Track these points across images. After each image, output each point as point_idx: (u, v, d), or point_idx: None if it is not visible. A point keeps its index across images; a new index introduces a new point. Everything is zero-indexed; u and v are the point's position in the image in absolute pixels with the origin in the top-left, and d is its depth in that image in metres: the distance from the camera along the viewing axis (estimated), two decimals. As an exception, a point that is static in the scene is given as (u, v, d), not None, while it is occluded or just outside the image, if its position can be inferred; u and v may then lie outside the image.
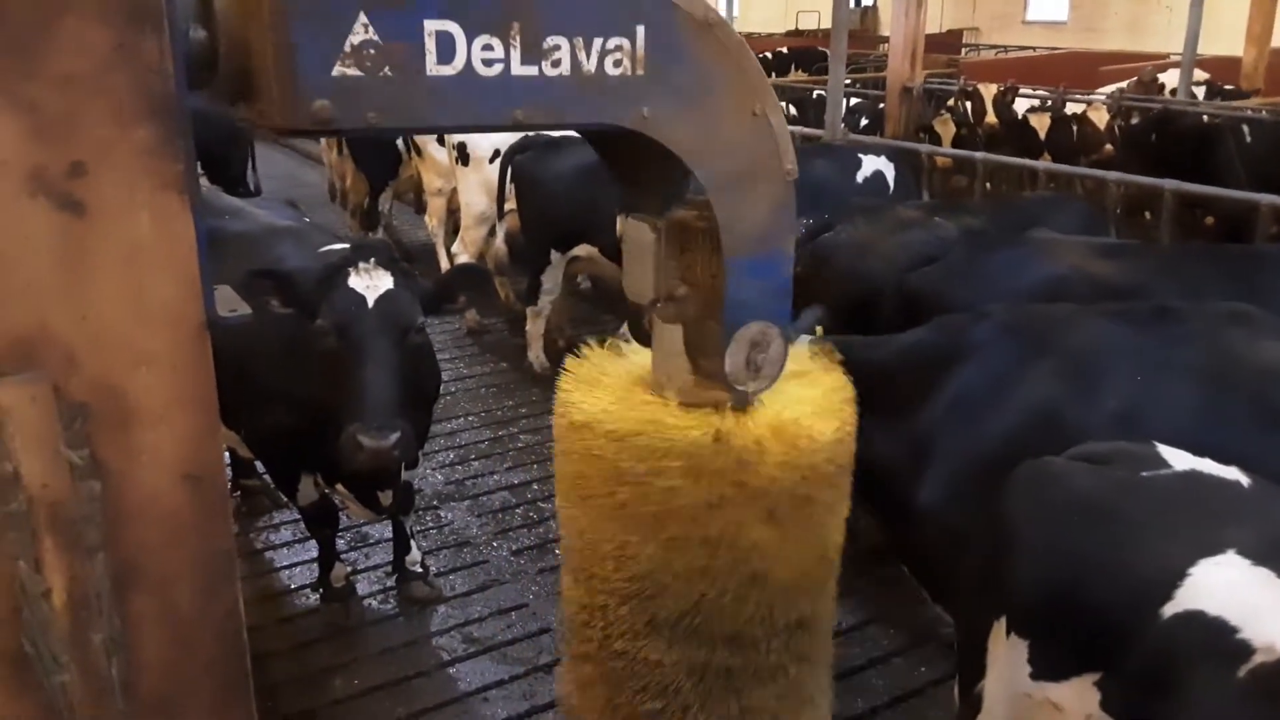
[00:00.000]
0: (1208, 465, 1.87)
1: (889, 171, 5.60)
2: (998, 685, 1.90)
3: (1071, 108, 8.51)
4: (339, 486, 3.79)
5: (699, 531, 1.65)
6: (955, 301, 3.43)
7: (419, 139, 7.30)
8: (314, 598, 4.23)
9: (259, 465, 4.56)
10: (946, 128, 7.97)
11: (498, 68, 1.37)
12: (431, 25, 1.32)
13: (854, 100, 10.56)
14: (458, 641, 3.99)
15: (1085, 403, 2.57)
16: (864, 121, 10.02)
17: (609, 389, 1.74)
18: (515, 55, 1.38)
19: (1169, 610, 1.59)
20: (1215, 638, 1.51)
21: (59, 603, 1.29)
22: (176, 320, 1.30)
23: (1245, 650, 1.48)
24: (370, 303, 3.10)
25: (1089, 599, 1.70)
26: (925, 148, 6.27)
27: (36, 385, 1.21)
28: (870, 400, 3.01)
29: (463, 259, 6.70)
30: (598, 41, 1.43)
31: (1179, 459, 1.90)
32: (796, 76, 13.54)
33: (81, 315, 1.23)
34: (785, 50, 16.20)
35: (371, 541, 4.63)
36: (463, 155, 6.65)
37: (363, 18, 1.27)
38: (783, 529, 1.69)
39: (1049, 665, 1.76)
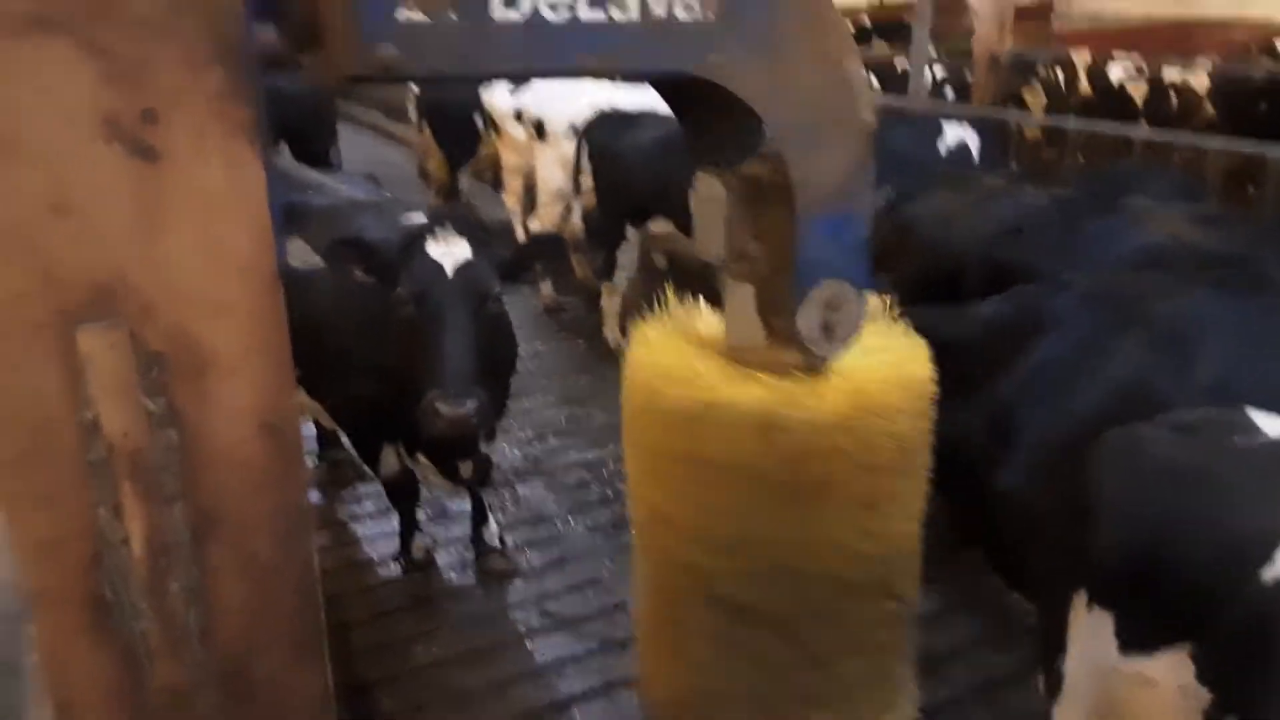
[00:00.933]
0: None
1: (974, 141, 5.42)
2: (1080, 661, 1.82)
3: (1169, 76, 8.15)
4: (420, 457, 3.82)
5: (770, 500, 1.60)
6: (1045, 272, 3.29)
7: (497, 117, 7.33)
8: (395, 568, 4.29)
9: (343, 437, 4.64)
10: (1036, 98, 7.70)
11: (565, 13, 1.33)
12: (497, -32, 1.29)
13: (940, 72, 10.28)
14: (534, 615, 4.01)
15: (1176, 375, 2.44)
16: (950, 94, 9.74)
17: (679, 352, 1.69)
18: (583, 0, 1.34)
19: (1269, 573, 1.50)
20: None
21: (138, 550, 1.31)
22: (250, 269, 1.29)
23: None
24: (449, 271, 3.11)
25: (1180, 566, 1.62)
26: (1014, 113, 6.06)
27: (115, 333, 1.23)
28: (945, 376, 2.92)
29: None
30: (668, -15, 1.38)
31: (1271, 424, 1.80)
32: (880, 49, 13.22)
33: (157, 263, 1.24)
34: (868, 23, 15.85)
35: (451, 515, 4.67)
36: (539, 131, 6.66)
37: (428, -40, 1.25)
38: (858, 500, 1.63)
39: (1138, 637, 1.68)
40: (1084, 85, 8.19)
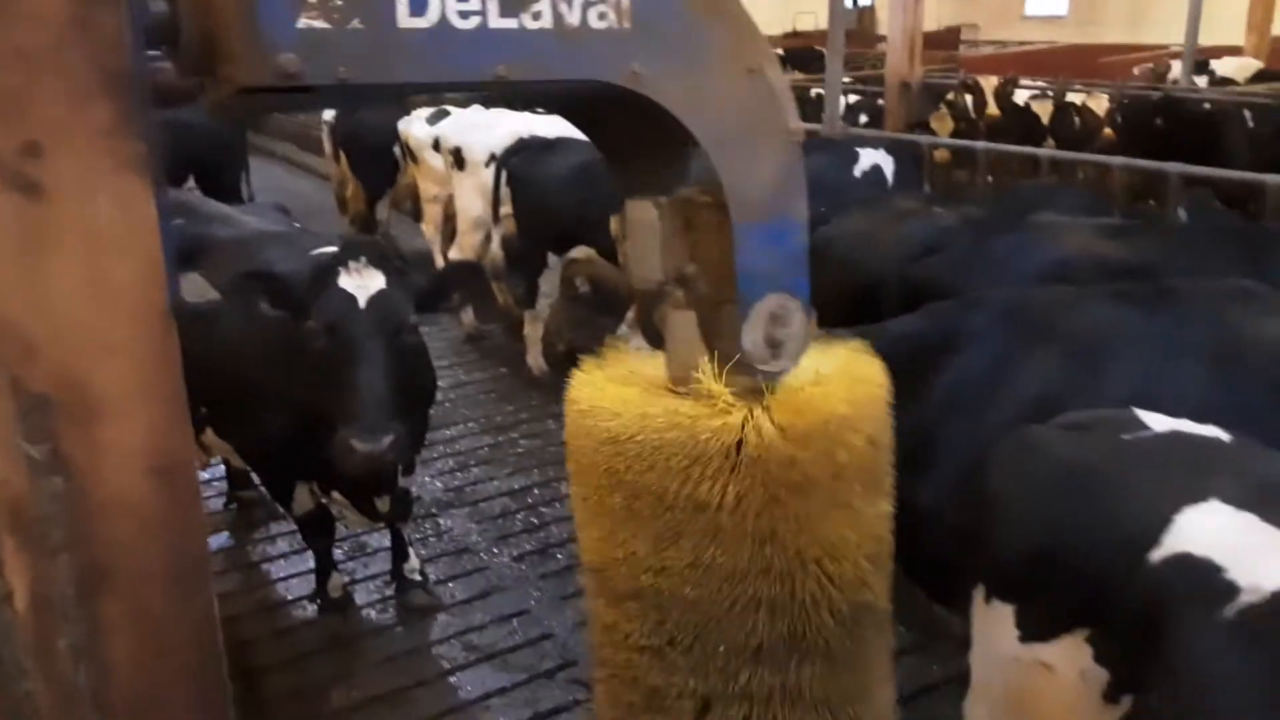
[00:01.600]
0: (1187, 425, 1.85)
1: (888, 165, 5.54)
2: (983, 654, 1.87)
3: (1073, 98, 8.46)
4: (335, 494, 3.72)
5: (736, 527, 1.57)
6: (960, 290, 3.36)
7: (413, 146, 7.26)
8: (312, 609, 4.17)
9: (254, 476, 4.50)
10: (944, 124, 7.90)
11: (475, 20, 1.31)
12: (400, -27, 1.26)
13: (853, 98, 10.51)
14: (458, 649, 3.92)
15: (1090, 388, 2.50)
16: (864, 119, 9.96)
17: (621, 389, 1.65)
18: (493, 7, 1.32)
19: (1156, 556, 1.55)
20: (1203, 579, 1.49)
21: (21, 607, 1.23)
22: (140, 307, 1.24)
23: (1232, 590, 1.45)
24: (362, 303, 3.04)
25: (1075, 556, 1.68)
26: (925, 139, 6.20)
27: (-8, 377, 1.16)
28: None
29: (460, 265, 6.65)
30: (581, -8, 1.37)
31: (1158, 422, 1.88)
32: (793, 77, 13.47)
33: (40, 302, 1.18)
34: (782, 52, 16.15)
35: (370, 551, 4.57)
36: (458, 160, 6.61)
37: (326, -34, 1.22)
38: (823, 515, 1.61)
39: (1037, 626, 1.72)
40: (992, 107, 8.44)
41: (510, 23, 1.34)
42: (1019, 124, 7.95)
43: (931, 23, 21.59)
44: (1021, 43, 19.23)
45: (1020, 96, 8.66)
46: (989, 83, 8.16)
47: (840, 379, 1.67)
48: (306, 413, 3.23)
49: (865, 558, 1.68)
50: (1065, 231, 3.65)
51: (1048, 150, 5.53)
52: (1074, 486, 1.75)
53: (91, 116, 1.16)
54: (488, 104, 7.05)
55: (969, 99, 8.59)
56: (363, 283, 3.06)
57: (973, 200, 4.56)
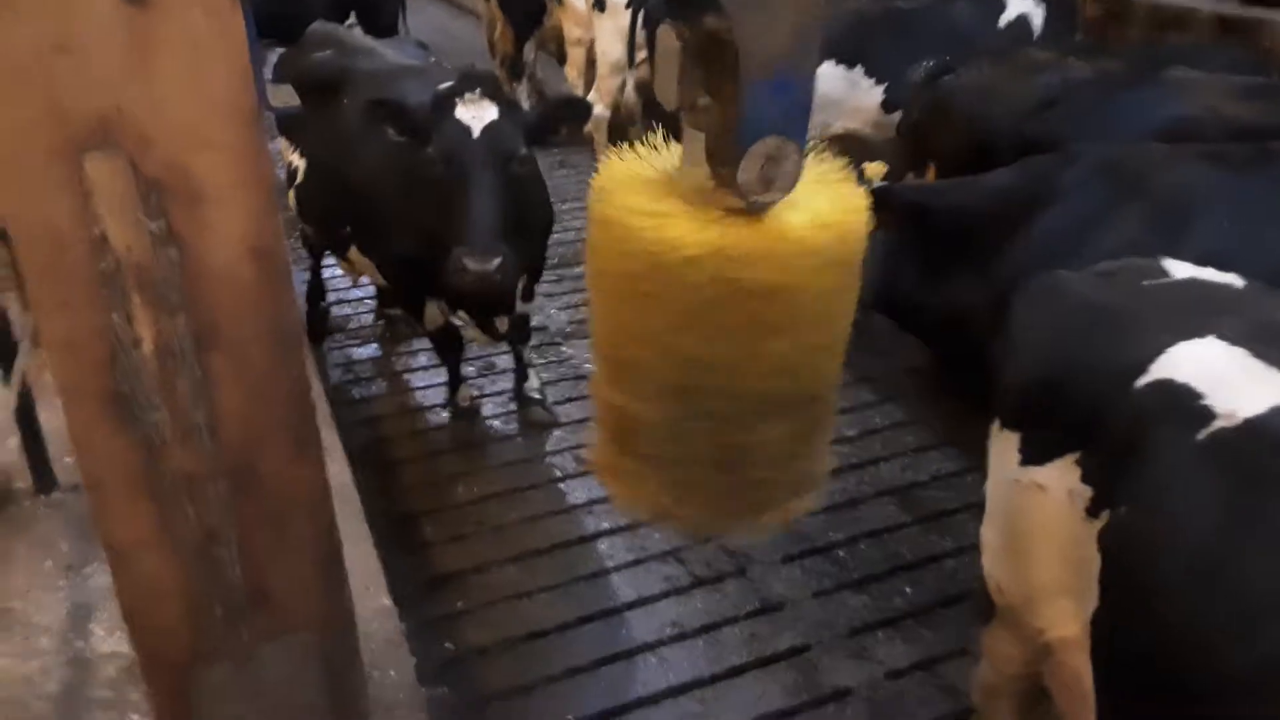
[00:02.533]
0: (1208, 273, 1.87)
1: (1037, 16, 5.24)
2: (994, 480, 1.99)
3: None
4: (460, 312, 4.06)
5: (709, 316, 1.76)
6: (1073, 145, 3.29)
7: (562, -14, 7.29)
8: (445, 415, 4.60)
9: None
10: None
11: None
12: None
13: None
14: (569, 460, 4.28)
15: (1169, 246, 2.48)
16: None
17: (637, 186, 1.83)
18: None
19: (1142, 381, 1.62)
20: (1180, 402, 1.56)
21: (148, 352, 1.53)
22: (233, 109, 1.46)
23: (1207, 415, 1.52)
24: (475, 132, 3.25)
25: (1075, 385, 1.76)
26: (1082, -15, 5.78)
27: (116, 160, 1.42)
28: (955, 245, 2.99)
29: (598, 109, 6.76)
30: None
31: (1181, 269, 1.90)
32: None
33: (151, 100, 1.42)
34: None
35: (498, 370, 4.94)
36: (599, 3, 6.63)
37: None
38: (787, 314, 1.78)
39: (1036, 451, 1.83)
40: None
41: None
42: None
43: None
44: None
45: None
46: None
47: (820, 210, 1.78)
48: (431, 234, 3.52)
49: (819, 352, 1.86)
50: (1196, 89, 3.47)
51: (1211, 4, 5.08)
52: (1083, 323, 1.82)
53: (188, -60, 1.36)
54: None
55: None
56: (477, 113, 3.27)
57: (1115, 52, 4.31)
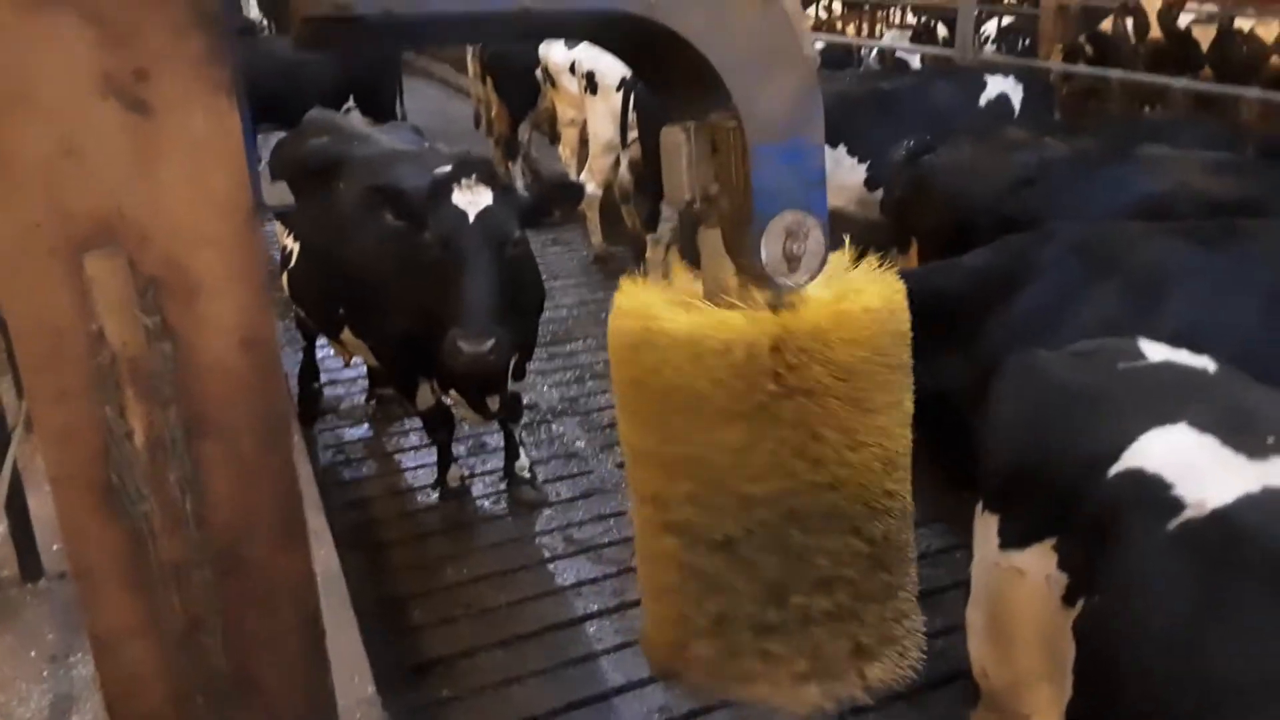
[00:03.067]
0: (1182, 356, 1.90)
1: (1016, 94, 5.40)
2: (978, 561, 2.00)
3: (1243, 24, 7.87)
4: (451, 392, 4.09)
5: (751, 430, 1.67)
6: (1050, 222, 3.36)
7: (552, 70, 7.49)
8: (434, 495, 4.60)
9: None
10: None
11: (505, -43, 1.49)
12: (442, -84, 1.45)
13: (1009, 19, 10.06)
14: (559, 541, 4.27)
15: (1146, 323, 2.53)
16: (1026, 42, 9.52)
17: (658, 295, 1.76)
18: (523, -54, 1.49)
19: (1114, 470, 1.65)
20: (1150, 492, 1.58)
21: (139, 444, 1.55)
22: (230, 206, 1.51)
23: (1177, 505, 1.54)
24: (471, 217, 3.33)
25: (1051, 471, 1.78)
26: (1056, 66, 5.97)
27: (115, 259, 1.46)
28: (936, 328, 3.02)
29: (590, 188, 6.90)
30: (602, -72, 1.52)
31: (1156, 351, 1.93)
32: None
33: (150, 201, 1.46)
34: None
35: (489, 449, 4.95)
36: (591, 85, 6.81)
37: (377, -88, 1.43)
38: (836, 423, 1.68)
39: (1014, 535, 1.84)
40: (1155, 30, 7.94)
41: None
42: (1178, 50, 7.48)
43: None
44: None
45: (1185, 21, 8.13)
46: (1152, 4, 7.66)
47: (855, 296, 1.71)
48: (426, 316, 3.58)
49: (874, 455, 1.71)
50: (1169, 165, 3.57)
51: (1184, 81, 5.25)
52: (1059, 406, 1.85)
53: (189, 47, 1.42)
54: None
55: (1129, 22, 8.12)
56: (473, 199, 3.36)
57: (1090, 130, 4.44)
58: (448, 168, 3.50)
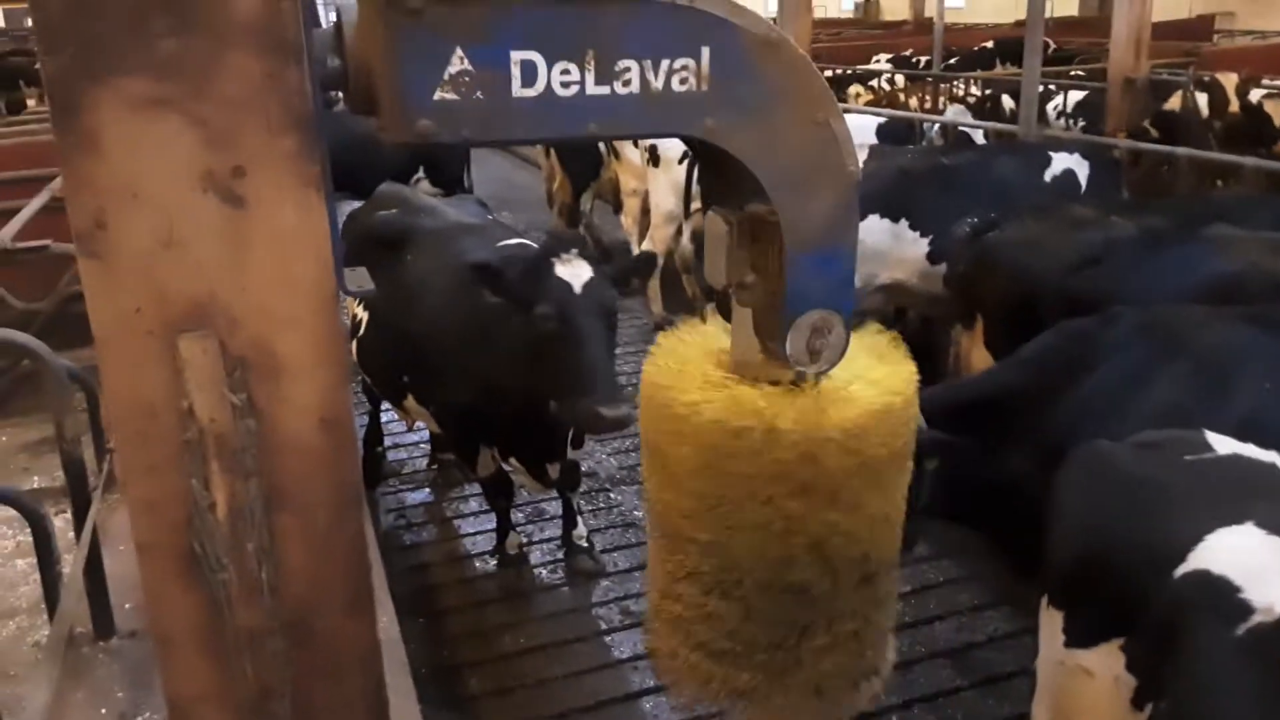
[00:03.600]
0: (1250, 450, 1.87)
1: (1082, 170, 5.39)
2: (1044, 657, 1.96)
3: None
4: (512, 460, 4.15)
5: (759, 496, 1.81)
6: (1121, 301, 3.34)
7: (617, 142, 7.66)
8: (492, 563, 4.64)
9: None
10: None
11: (574, 89, 1.58)
12: (517, 55, 1.55)
13: (1078, 95, 10.06)
14: (615, 613, 4.27)
15: (1214, 407, 2.50)
16: (1082, 122, 9.53)
17: (687, 363, 1.92)
18: (590, 78, 1.58)
19: (1180, 571, 1.62)
20: (1218, 596, 1.55)
21: (221, 514, 1.62)
22: (314, 292, 1.59)
23: (1245, 610, 1.51)
24: (577, 289, 3.44)
25: (1117, 568, 1.76)
26: (1124, 143, 5.96)
27: (207, 340, 1.55)
28: (1004, 425, 2.98)
29: (653, 258, 7.01)
30: (665, 63, 1.62)
31: (1224, 444, 1.91)
32: (1006, 70, 12.96)
33: (241, 287, 1.55)
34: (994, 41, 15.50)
35: (547, 517, 4.99)
36: (654, 157, 6.96)
37: (459, 51, 1.53)
38: (836, 497, 1.81)
39: (1080, 633, 1.82)
40: (1234, 105, 7.88)
41: (604, 89, 1.60)
42: (1253, 126, 7.41)
43: (1181, 10, 20.08)
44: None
45: (1258, 96, 8.06)
46: (1229, 79, 7.60)
47: (867, 388, 1.84)
48: (501, 388, 3.68)
49: (868, 539, 1.85)
50: (1237, 246, 3.53)
51: (1252, 160, 5.20)
52: (1125, 501, 1.83)
53: (282, 146, 1.52)
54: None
55: (1204, 97, 8.07)
56: (575, 272, 3.47)
57: (1157, 208, 4.41)
58: (519, 240, 3.61)
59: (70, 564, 3.07)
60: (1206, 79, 8.38)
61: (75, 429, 3.27)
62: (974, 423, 2.77)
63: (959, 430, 2.72)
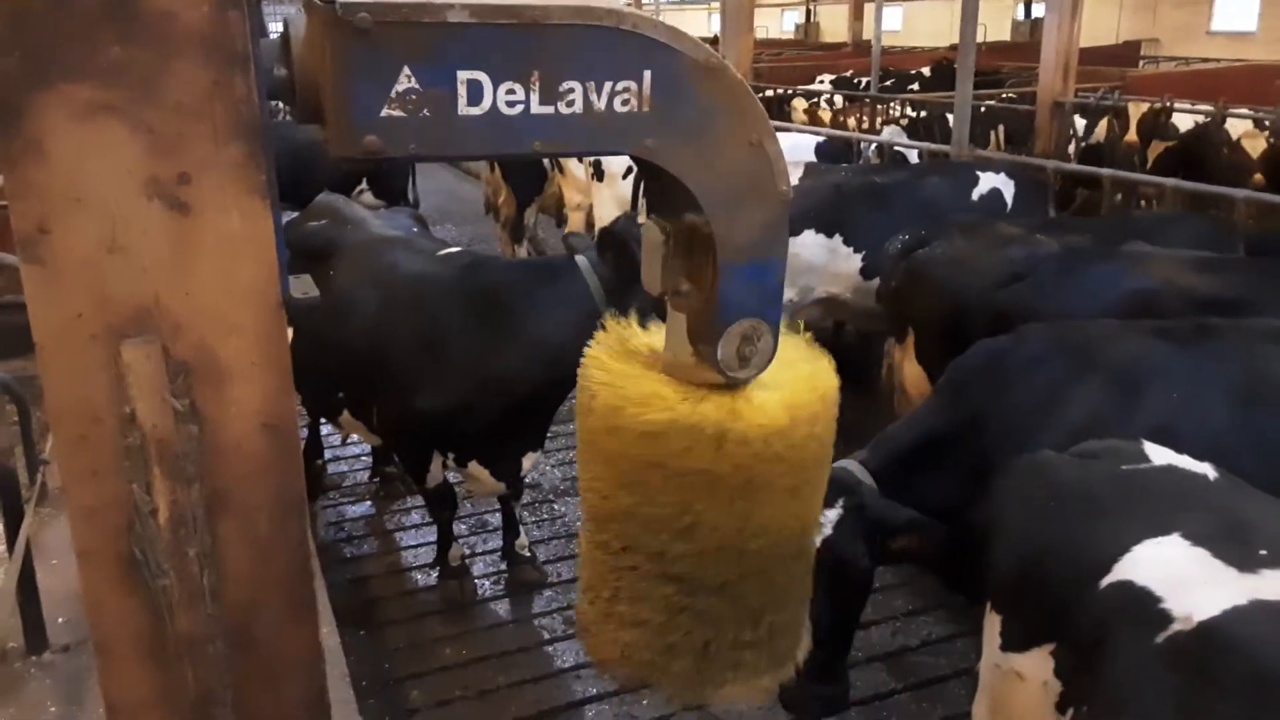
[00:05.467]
0: (1184, 461, 1.96)
1: (1007, 189, 5.58)
2: (984, 659, 2.03)
3: (1234, 124, 8.12)
4: (471, 465, 4.13)
5: (716, 494, 1.87)
6: (1044, 316, 3.47)
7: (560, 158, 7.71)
8: (434, 574, 4.63)
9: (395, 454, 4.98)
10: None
11: (519, 108, 1.63)
12: (463, 75, 1.59)
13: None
14: (559, 622, 4.29)
15: (1126, 419, 2.62)
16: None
17: (626, 360, 1.98)
18: (535, 97, 1.63)
19: (1105, 581, 1.70)
20: (1139, 606, 1.62)
21: (163, 520, 1.63)
22: (259, 298, 1.61)
23: (1165, 619, 1.58)
24: None
25: (1050, 576, 1.83)
26: (1050, 163, 6.17)
27: (150, 346, 1.56)
28: (937, 459, 3.03)
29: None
30: (608, 84, 1.67)
31: (1159, 455, 1.99)
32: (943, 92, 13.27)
33: (186, 292, 1.57)
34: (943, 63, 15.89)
35: (490, 528, 4.99)
36: (598, 172, 7.02)
37: (406, 70, 1.57)
38: (787, 490, 1.89)
39: (1015, 637, 1.89)
40: (1131, 134, 8.21)
41: (548, 109, 1.64)
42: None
43: (1108, 36, 20.77)
44: (1205, 60, 18.25)
45: (1181, 120, 8.39)
46: (1137, 108, 7.91)
47: (791, 387, 1.93)
48: (509, 380, 3.78)
49: (793, 517, 1.96)
50: (1155, 263, 3.69)
51: (1173, 181, 5.43)
52: (1060, 510, 1.91)
53: (228, 154, 1.54)
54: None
55: (1116, 123, 8.39)
56: None
57: (1080, 226, 4.58)
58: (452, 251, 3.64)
59: (1, 578, 3.01)
60: (1120, 104, 8.70)
61: (7, 441, 3.22)
62: (918, 468, 2.86)
63: (911, 482, 2.80)
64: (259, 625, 1.77)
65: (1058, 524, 1.90)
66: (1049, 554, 1.87)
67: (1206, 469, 1.95)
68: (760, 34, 22.71)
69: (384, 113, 1.58)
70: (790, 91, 12.66)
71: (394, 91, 1.59)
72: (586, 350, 2.04)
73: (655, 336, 2.09)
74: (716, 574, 1.96)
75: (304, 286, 1.86)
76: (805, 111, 11.80)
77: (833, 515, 2.45)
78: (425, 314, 3.81)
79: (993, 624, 1.97)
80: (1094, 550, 1.77)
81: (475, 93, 1.62)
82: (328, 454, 5.62)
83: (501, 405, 3.85)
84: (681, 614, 1.99)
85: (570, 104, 1.66)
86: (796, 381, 1.95)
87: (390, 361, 3.90)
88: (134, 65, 1.45)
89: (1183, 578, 1.63)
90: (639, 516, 1.99)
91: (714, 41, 11.82)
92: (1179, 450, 2.14)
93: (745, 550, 1.94)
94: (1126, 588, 1.68)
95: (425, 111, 1.61)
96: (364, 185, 8.25)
